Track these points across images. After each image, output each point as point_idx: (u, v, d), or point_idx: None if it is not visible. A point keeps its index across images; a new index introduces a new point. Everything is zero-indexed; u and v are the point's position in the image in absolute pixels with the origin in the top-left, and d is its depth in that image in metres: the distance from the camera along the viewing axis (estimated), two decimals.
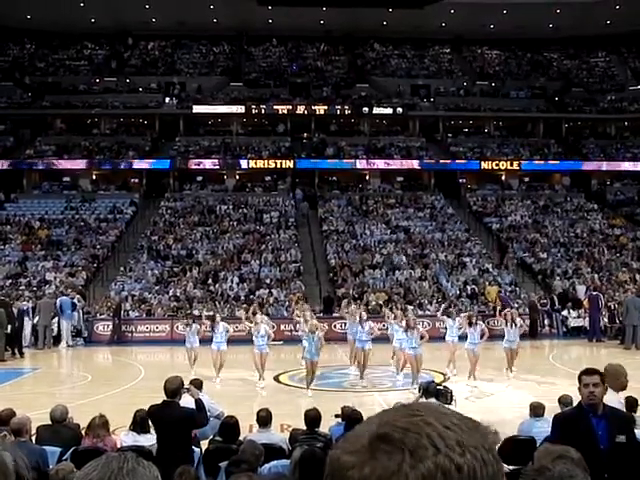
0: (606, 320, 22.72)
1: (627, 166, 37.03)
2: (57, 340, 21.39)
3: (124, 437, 7.22)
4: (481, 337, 14.73)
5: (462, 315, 16.26)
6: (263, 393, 13.93)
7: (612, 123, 40.06)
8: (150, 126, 38.71)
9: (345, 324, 18.76)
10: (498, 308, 20.66)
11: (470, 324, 14.87)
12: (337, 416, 7.93)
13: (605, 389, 4.36)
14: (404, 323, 14.69)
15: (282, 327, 21.45)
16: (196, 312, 22.54)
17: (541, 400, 8.02)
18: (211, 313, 22.93)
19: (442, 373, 15.48)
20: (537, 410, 7.75)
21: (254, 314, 16.24)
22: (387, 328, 16.73)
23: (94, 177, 36.18)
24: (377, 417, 0.99)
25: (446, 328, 16.30)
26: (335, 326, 21.53)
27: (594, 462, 2.71)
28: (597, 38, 42.76)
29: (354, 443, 0.95)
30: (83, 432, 7.19)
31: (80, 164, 35.20)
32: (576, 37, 42.43)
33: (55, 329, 21.48)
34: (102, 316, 23.20)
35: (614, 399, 5.07)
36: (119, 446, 6.73)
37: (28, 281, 25.65)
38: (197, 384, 9.64)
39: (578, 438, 4.05)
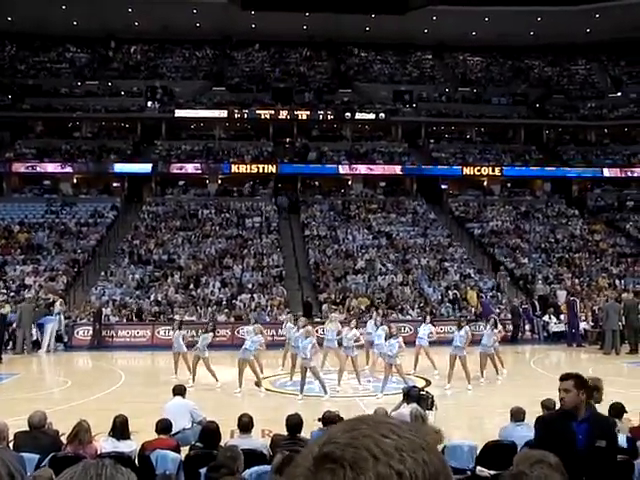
0: (586, 325, 22.92)
1: (607, 172, 37.41)
2: (36, 345, 21.19)
3: (103, 443, 7.15)
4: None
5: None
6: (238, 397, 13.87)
7: (592, 130, 40.46)
8: (132, 130, 38.53)
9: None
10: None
11: (460, 327, 14.99)
12: (320, 420, 7.91)
13: (583, 394, 4.38)
14: (385, 329, 14.80)
15: (264, 332, 21.34)
16: (177, 317, 22.50)
17: (522, 405, 8.05)
18: (193, 318, 22.96)
19: (424, 378, 15.54)
20: (517, 415, 7.79)
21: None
22: (369, 333, 16.83)
23: (75, 181, 35.93)
24: (320, 438, 1.01)
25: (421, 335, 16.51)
26: (317, 331, 21.47)
27: (572, 465, 2.74)
28: (578, 46, 43.30)
29: (299, 467, 0.97)
30: (63, 438, 7.11)
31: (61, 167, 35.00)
32: (557, 45, 42.88)
33: (35, 334, 21.27)
34: (82, 321, 23.01)
35: None
36: (98, 452, 6.67)
37: (6, 285, 25.38)
38: (180, 390, 9.63)
39: (557, 441, 4.14)
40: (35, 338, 21.24)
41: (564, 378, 4.46)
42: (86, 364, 20.63)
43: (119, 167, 35.28)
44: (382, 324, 15.82)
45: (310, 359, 13.45)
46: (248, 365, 14.25)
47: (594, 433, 4.29)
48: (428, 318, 17.48)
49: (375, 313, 18.91)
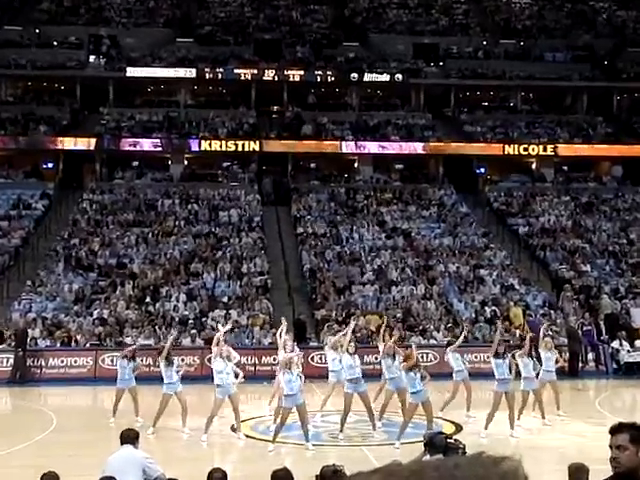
0: None
1: None
2: None
3: None
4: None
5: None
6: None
7: None
8: (69, 93, 38.51)
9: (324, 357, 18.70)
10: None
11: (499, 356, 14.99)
12: (316, 478, 7.83)
13: None
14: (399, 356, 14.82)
15: (244, 360, 21.09)
16: (128, 340, 22.44)
17: (584, 461, 7.95)
18: (150, 342, 22.87)
19: (454, 422, 15.48)
20: (579, 474, 7.67)
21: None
22: (379, 362, 16.78)
23: None
24: None
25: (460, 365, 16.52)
26: (313, 358, 21.41)
27: None
28: None
29: None
30: None
31: None
32: None
33: None
34: (1, 347, 22.90)
35: None
36: None
37: None
38: (130, 438, 9.49)
39: None
40: None
41: (616, 431, 4.25)
42: (4, 404, 20.52)
43: (52, 142, 35.20)
44: (394, 354, 15.71)
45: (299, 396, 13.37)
46: (230, 402, 14.29)
47: None
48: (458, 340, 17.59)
49: (385, 334, 18.84)
